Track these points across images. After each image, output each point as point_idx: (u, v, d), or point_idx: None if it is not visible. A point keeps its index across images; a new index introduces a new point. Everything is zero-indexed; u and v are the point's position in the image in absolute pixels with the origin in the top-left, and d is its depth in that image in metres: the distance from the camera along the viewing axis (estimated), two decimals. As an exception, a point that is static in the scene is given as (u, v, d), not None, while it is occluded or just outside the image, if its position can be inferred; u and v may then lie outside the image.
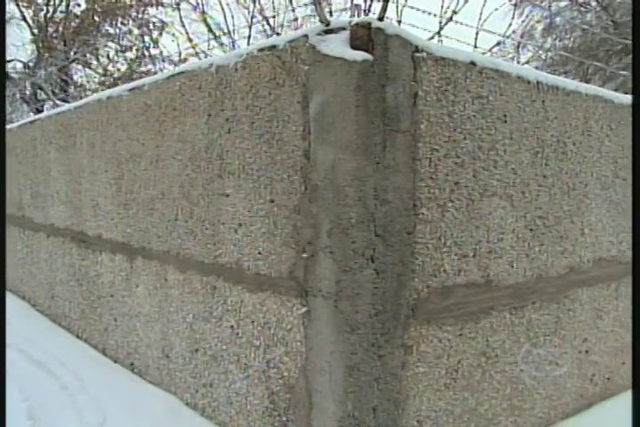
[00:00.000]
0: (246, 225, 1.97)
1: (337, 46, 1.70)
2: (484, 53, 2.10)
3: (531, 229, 2.05)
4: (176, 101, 2.36)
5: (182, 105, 2.32)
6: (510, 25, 2.26)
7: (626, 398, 2.62)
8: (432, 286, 1.71)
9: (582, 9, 15.06)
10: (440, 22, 2.34)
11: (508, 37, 2.26)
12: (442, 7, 2.29)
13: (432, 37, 2.47)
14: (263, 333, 1.91)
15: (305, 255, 1.71)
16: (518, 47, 2.65)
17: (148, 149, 2.54)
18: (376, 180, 1.56)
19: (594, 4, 14.77)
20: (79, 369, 2.69)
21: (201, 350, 2.23)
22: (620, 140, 2.53)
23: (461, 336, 1.84)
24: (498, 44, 2.29)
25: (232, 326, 2.04)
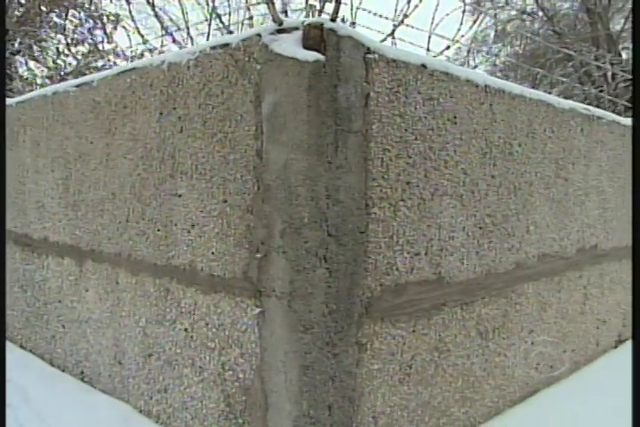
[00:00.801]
0: (199, 226, 1.93)
1: (289, 46, 1.69)
2: (434, 56, 2.15)
3: (480, 228, 2.12)
4: (127, 99, 2.27)
5: (133, 103, 2.24)
6: (459, 30, 2.32)
7: (567, 384, 2.77)
8: (385, 284, 1.73)
9: (530, 18, 15.80)
10: (394, 25, 2.37)
11: (457, 42, 2.33)
12: (395, 11, 2.32)
13: (384, 39, 2.51)
14: (218, 335, 1.87)
15: (258, 255, 1.69)
16: (469, 52, 2.76)
17: (98, 147, 2.44)
18: (328, 179, 1.56)
19: (540, 13, 15.52)
20: (23, 382, 2.53)
21: (155, 354, 2.16)
22: (561, 142, 2.66)
23: (414, 332, 1.88)
24: (447, 47, 2.35)
25: (186, 329, 1.99)
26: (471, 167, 2.06)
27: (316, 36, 1.68)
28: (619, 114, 4.94)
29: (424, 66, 1.88)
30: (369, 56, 1.70)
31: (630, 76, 4.91)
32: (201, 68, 1.92)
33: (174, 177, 2.04)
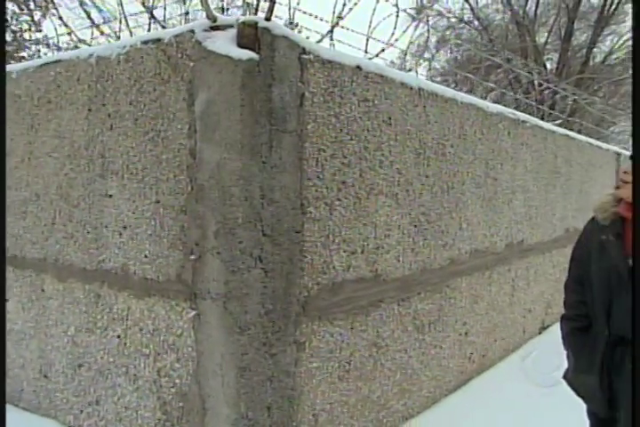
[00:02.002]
0: (131, 227, 1.83)
1: (223, 44, 1.65)
2: (370, 59, 2.18)
3: (415, 226, 2.18)
4: (51, 93, 2.12)
5: (58, 97, 2.09)
6: (393, 34, 2.38)
7: (497, 370, 2.93)
8: (322, 283, 1.73)
9: (467, 27, 16.58)
10: (332, 26, 2.38)
11: (391, 45, 2.38)
12: (333, 12, 2.33)
13: (320, 40, 2.52)
14: (153, 340, 1.79)
15: (193, 257, 1.63)
16: (405, 55, 2.83)
17: (19, 145, 2.25)
18: (262, 179, 1.53)
19: (476, 23, 16.34)
20: None
21: (85, 364, 2.03)
22: (491, 143, 2.80)
23: (353, 330, 1.90)
24: (382, 50, 2.40)
25: (119, 336, 1.89)
26: (406, 167, 2.11)
27: (250, 35, 1.65)
28: (542, 118, 5.30)
29: (359, 67, 1.91)
30: (304, 56, 1.69)
31: (551, 85, 5.28)
32: (132, 63, 1.82)
33: (104, 177, 1.93)
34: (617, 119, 13.23)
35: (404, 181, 2.10)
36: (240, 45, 1.64)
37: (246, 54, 1.60)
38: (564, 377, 1.45)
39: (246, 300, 1.55)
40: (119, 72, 1.87)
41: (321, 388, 1.80)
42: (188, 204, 1.66)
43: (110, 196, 1.90)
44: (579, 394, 1.40)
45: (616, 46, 16.14)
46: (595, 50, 15.79)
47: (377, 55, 2.39)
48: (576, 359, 1.39)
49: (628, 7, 15.71)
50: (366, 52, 2.54)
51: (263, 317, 1.56)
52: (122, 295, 1.88)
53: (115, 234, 1.89)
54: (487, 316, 2.86)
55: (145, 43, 1.81)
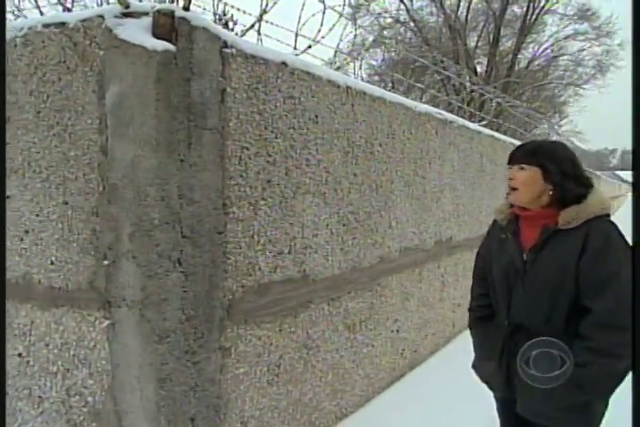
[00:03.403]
0: (35, 232, 1.70)
1: (137, 32, 1.58)
2: (296, 55, 2.20)
3: (344, 225, 2.23)
4: None
5: (-56, 86, 1.89)
6: (319, 31, 2.42)
7: (428, 365, 3.08)
8: (247, 285, 1.72)
9: (403, 27, 17.27)
10: (257, 19, 2.37)
11: (318, 42, 2.42)
12: (260, 6, 2.32)
13: (244, 34, 2.50)
14: (61, 356, 1.68)
15: (106, 262, 1.55)
16: (335, 53, 2.89)
17: None
18: (181, 178, 1.50)
19: (412, 24, 17.07)
20: None
21: (-18, 385, 1.86)
22: (419, 143, 2.94)
23: (281, 332, 1.90)
24: (309, 47, 2.43)
25: (20, 354, 1.75)
26: (334, 166, 2.16)
27: (166, 24, 1.60)
28: (470, 119, 5.64)
29: (285, 64, 1.92)
30: (225, 50, 1.67)
31: (475, 87, 5.65)
32: (31, 48, 1.70)
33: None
34: (538, 122, 14.42)
35: (332, 180, 2.14)
36: (155, 35, 1.58)
37: (162, 45, 1.55)
38: (473, 366, 1.58)
39: (165, 306, 1.50)
40: (16, 57, 1.73)
41: (249, 394, 1.79)
42: (100, 205, 1.57)
43: (9, 197, 1.76)
44: (483, 380, 1.53)
45: (537, 53, 17.61)
46: (519, 56, 17.14)
47: (303, 52, 2.42)
48: (480, 347, 1.53)
49: (547, 17, 17.21)
50: (295, 48, 2.55)
51: (184, 323, 1.52)
52: (24, 307, 1.74)
53: (14, 239, 1.75)
54: (418, 312, 3.00)
55: (47, 26, 1.69)
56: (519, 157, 1.41)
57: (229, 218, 1.64)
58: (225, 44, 1.68)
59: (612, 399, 1.32)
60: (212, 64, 1.63)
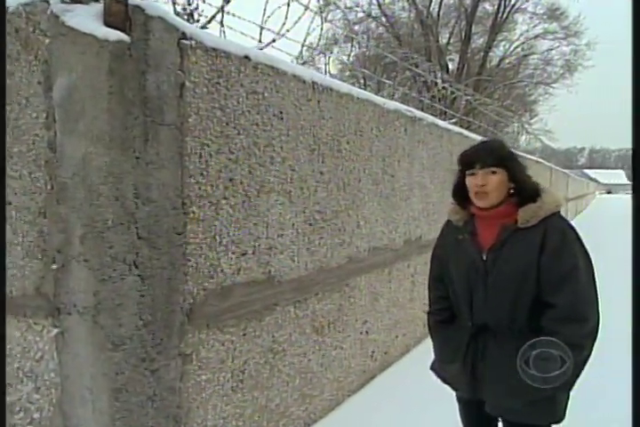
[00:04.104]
0: (-25, 234, 1.63)
1: (87, 20, 1.54)
2: (260, 49, 2.19)
3: (310, 224, 2.24)
4: None
5: None
6: (284, 24, 2.42)
7: (399, 367, 3.13)
8: (209, 288, 1.71)
9: (375, 22, 17.45)
10: (223, 12, 2.35)
11: (283, 36, 2.42)
12: (224, -2, 2.30)
13: (205, 26, 2.47)
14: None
15: (55, 266, 1.50)
16: (302, 47, 2.88)
17: None
18: (136, 176, 1.46)
19: (383, 19, 17.28)
20: None
21: None
22: (388, 140, 2.98)
23: (245, 336, 1.89)
24: (273, 40, 2.42)
25: (-40, 365, 1.67)
26: (299, 164, 2.16)
27: (119, 13, 1.56)
28: (443, 116, 5.77)
29: (247, 57, 1.91)
30: (184, 42, 1.64)
31: (446, 85, 5.78)
32: (-33, 34, 1.62)
33: (-63, 173, 1.69)
34: (509, 121, 14.88)
35: (297, 178, 2.15)
36: (107, 24, 1.54)
37: (115, 35, 1.51)
38: (431, 368, 1.62)
39: (120, 311, 1.47)
40: (-47, 46, 1.65)
41: (212, 402, 1.78)
42: (48, 205, 1.52)
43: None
44: (445, 381, 1.57)
45: (508, 52, 18.19)
46: (490, 54, 17.65)
47: (267, 45, 2.41)
48: (441, 350, 1.57)
49: (518, 16, 17.79)
50: (260, 41, 2.54)
51: (141, 329, 1.49)
52: (-36, 316, 1.66)
53: (-47, 242, 1.67)
54: (388, 313, 3.04)
55: (-15, 11, 1.62)
56: (489, 161, 1.40)
57: (189, 218, 1.61)
58: (183, 36, 1.65)
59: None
60: (170, 56, 1.60)
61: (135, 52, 1.51)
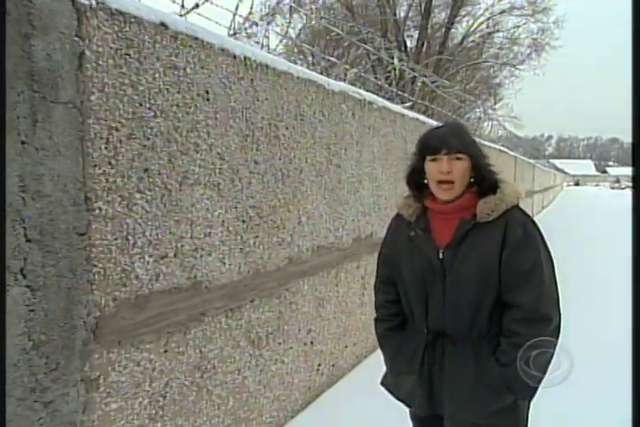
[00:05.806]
0: None
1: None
2: (181, 16, 2.11)
3: (243, 221, 2.21)
4: None
5: None
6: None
7: (349, 380, 3.17)
8: (121, 298, 1.64)
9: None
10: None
11: (207, 1, 2.34)
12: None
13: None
14: None
15: None
16: (234, 15, 2.79)
17: None
18: (23, 165, 1.37)
19: (335, -11, 17.29)
20: None
21: None
22: (333, 126, 2.99)
23: (167, 353, 1.84)
24: (196, 6, 2.34)
25: None
26: (229, 152, 2.12)
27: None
28: (401, 100, 5.87)
29: (164, 25, 1.84)
30: (82, 1, 1.55)
31: (404, 65, 5.89)
32: None
33: None
34: (472, 106, 15.40)
35: (227, 169, 2.10)
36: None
37: (-10, -10, 1.40)
38: (382, 383, 1.64)
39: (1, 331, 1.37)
40: None
41: (126, 433, 1.71)
42: None
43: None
44: (398, 398, 1.59)
45: (471, 29, 18.78)
46: (453, 31, 18.15)
47: (189, 11, 2.33)
48: (393, 361, 1.58)
49: (483, -12, 18.36)
50: (183, 6, 2.45)
51: (30, 352, 1.40)
52: None
53: None
54: (335, 320, 3.07)
55: None
56: (455, 145, 1.40)
57: (94, 216, 1.54)
58: (81, -7, 1.56)
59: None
60: (63, 18, 1.50)
61: (15, 9, 1.40)
